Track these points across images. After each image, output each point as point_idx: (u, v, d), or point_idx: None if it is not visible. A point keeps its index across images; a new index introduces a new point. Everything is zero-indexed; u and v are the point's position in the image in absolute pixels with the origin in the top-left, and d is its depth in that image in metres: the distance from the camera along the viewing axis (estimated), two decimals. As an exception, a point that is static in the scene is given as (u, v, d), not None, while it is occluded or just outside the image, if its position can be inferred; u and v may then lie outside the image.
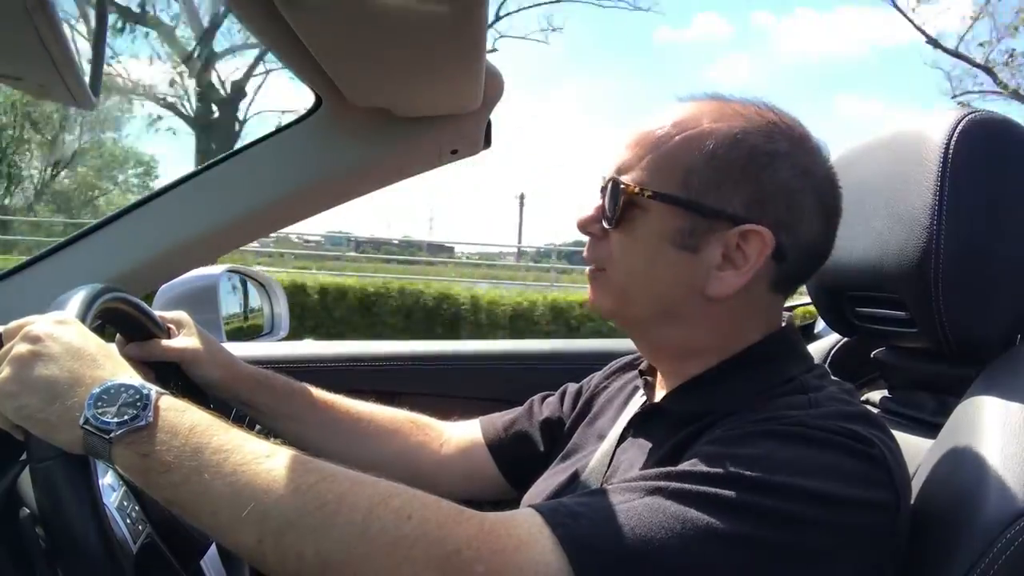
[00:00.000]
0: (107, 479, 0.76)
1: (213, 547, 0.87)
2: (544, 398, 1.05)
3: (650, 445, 0.73)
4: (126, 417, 0.59)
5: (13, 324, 0.67)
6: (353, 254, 17.71)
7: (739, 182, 0.69)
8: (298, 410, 1.00)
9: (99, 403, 0.59)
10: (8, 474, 0.71)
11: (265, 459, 0.59)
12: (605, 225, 0.75)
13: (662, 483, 0.58)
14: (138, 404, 0.59)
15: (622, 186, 0.72)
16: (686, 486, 0.57)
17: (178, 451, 0.58)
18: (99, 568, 0.59)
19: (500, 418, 1.05)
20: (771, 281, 0.72)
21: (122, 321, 0.88)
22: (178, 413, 0.61)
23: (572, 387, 1.03)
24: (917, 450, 0.75)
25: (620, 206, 0.72)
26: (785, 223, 0.70)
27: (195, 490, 0.57)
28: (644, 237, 0.72)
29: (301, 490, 0.57)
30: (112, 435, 0.58)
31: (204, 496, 0.57)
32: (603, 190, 0.75)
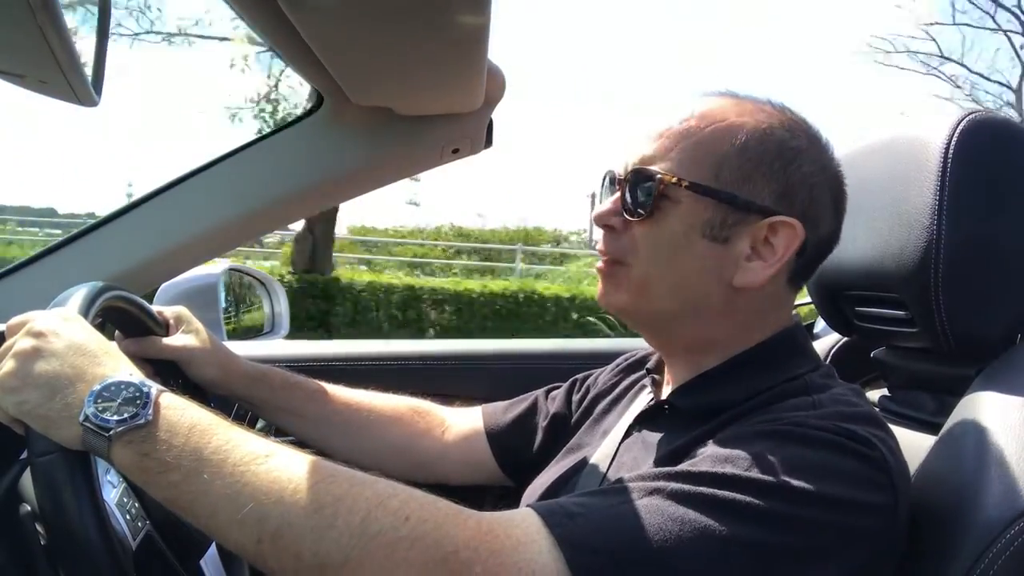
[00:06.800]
0: (108, 475, 0.76)
1: (213, 546, 0.87)
2: (549, 391, 1.05)
3: (655, 442, 0.74)
4: (126, 415, 0.58)
5: (16, 320, 0.67)
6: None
7: (768, 175, 0.70)
8: (297, 404, 1.01)
9: (99, 400, 0.59)
10: (8, 474, 0.71)
11: (264, 459, 0.59)
12: (628, 217, 0.73)
13: (660, 484, 0.59)
14: (138, 402, 0.59)
15: (658, 176, 0.71)
16: (684, 487, 0.58)
17: (177, 451, 0.58)
18: (99, 564, 0.59)
19: (502, 407, 1.05)
20: (790, 274, 0.74)
21: (122, 319, 0.88)
22: (178, 411, 0.61)
23: (580, 379, 1.03)
24: (917, 449, 0.75)
25: (653, 196, 0.71)
26: (808, 217, 0.71)
27: (194, 490, 0.57)
28: (674, 228, 0.71)
29: (300, 491, 0.57)
30: (111, 433, 0.58)
31: (203, 496, 0.57)
32: (623, 182, 0.74)
